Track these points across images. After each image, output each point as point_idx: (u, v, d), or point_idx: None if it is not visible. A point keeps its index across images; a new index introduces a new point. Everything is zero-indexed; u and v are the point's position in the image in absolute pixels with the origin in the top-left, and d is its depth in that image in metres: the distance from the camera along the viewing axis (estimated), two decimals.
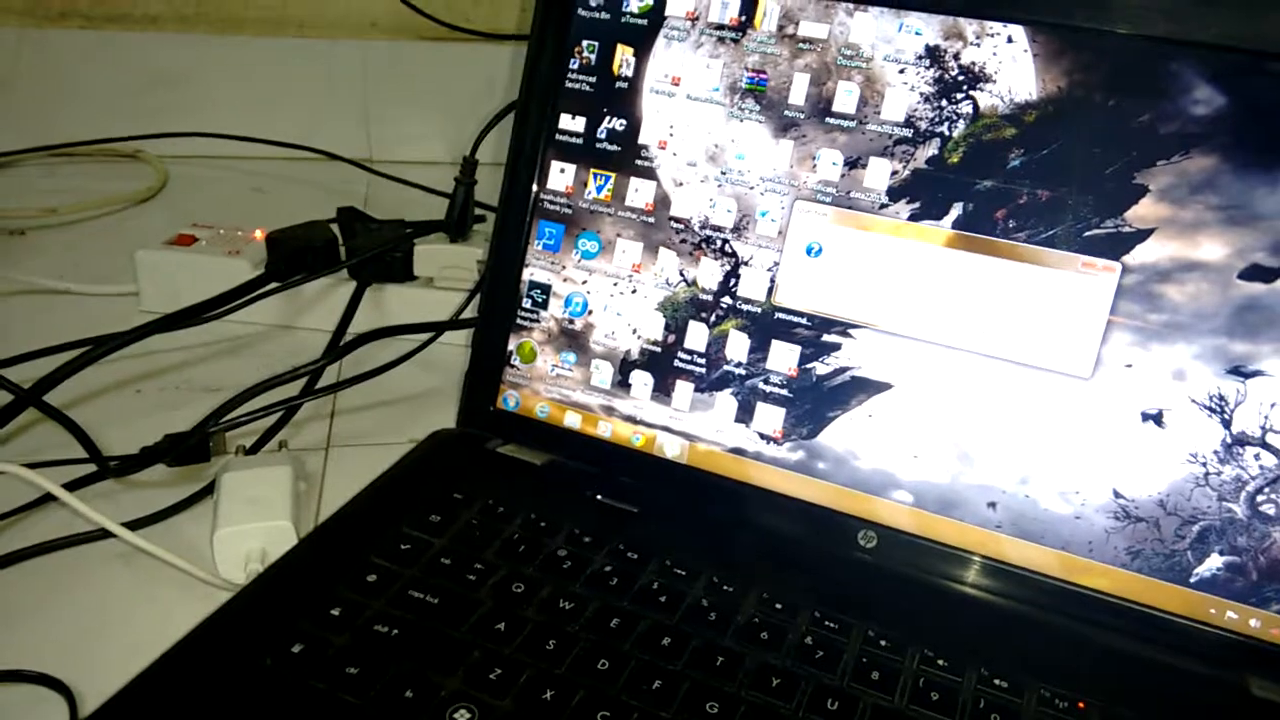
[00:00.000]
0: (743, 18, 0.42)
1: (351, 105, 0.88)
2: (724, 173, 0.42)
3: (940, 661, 0.34)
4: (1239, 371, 0.36)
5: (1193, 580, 0.36)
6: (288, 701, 0.31)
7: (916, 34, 0.39)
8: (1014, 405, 0.38)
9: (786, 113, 0.41)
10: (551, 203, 0.45)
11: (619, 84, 0.44)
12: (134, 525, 0.42)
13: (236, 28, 0.89)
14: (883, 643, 0.35)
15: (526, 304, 0.46)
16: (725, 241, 0.42)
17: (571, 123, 0.45)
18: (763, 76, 0.42)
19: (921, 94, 0.39)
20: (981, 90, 0.38)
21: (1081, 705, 0.33)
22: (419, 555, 0.37)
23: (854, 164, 0.40)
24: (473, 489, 0.42)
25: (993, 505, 0.39)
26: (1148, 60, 0.36)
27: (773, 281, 0.42)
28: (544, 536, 0.39)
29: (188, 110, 0.87)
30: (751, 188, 0.42)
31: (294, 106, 0.88)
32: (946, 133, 0.39)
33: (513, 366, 0.46)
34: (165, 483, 0.46)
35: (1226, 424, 0.36)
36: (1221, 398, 0.36)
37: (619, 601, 0.36)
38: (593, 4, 0.44)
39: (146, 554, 0.40)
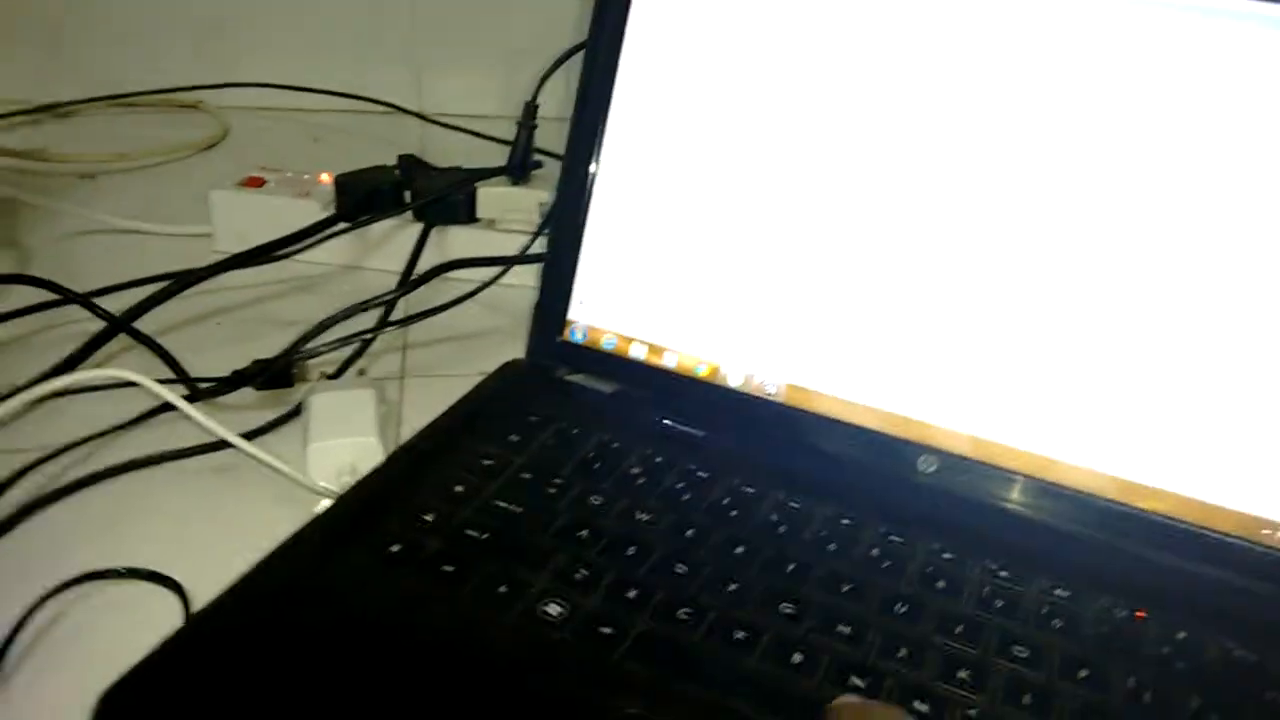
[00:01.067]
0: None
1: (403, 54, 0.90)
2: None
3: (1003, 573, 0.36)
4: None
5: (1248, 502, 0.38)
6: (388, 596, 0.33)
7: None
8: (1072, 330, 0.39)
9: None
10: None
11: None
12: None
13: None
14: (946, 555, 0.37)
15: None
16: None
17: None
18: None
19: None
20: None
21: (1140, 615, 0.35)
22: (501, 470, 0.39)
23: None
24: (547, 413, 0.43)
25: (1051, 429, 0.40)
26: None
27: None
28: (617, 456, 0.41)
29: (243, 59, 0.89)
30: None
31: (346, 56, 0.89)
32: None
33: (581, 301, 0.48)
34: (252, 406, 0.49)
35: None
36: None
37: (692, 514, 0.38)
38: None
39: (251, 464, 0.43)
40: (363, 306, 0.50)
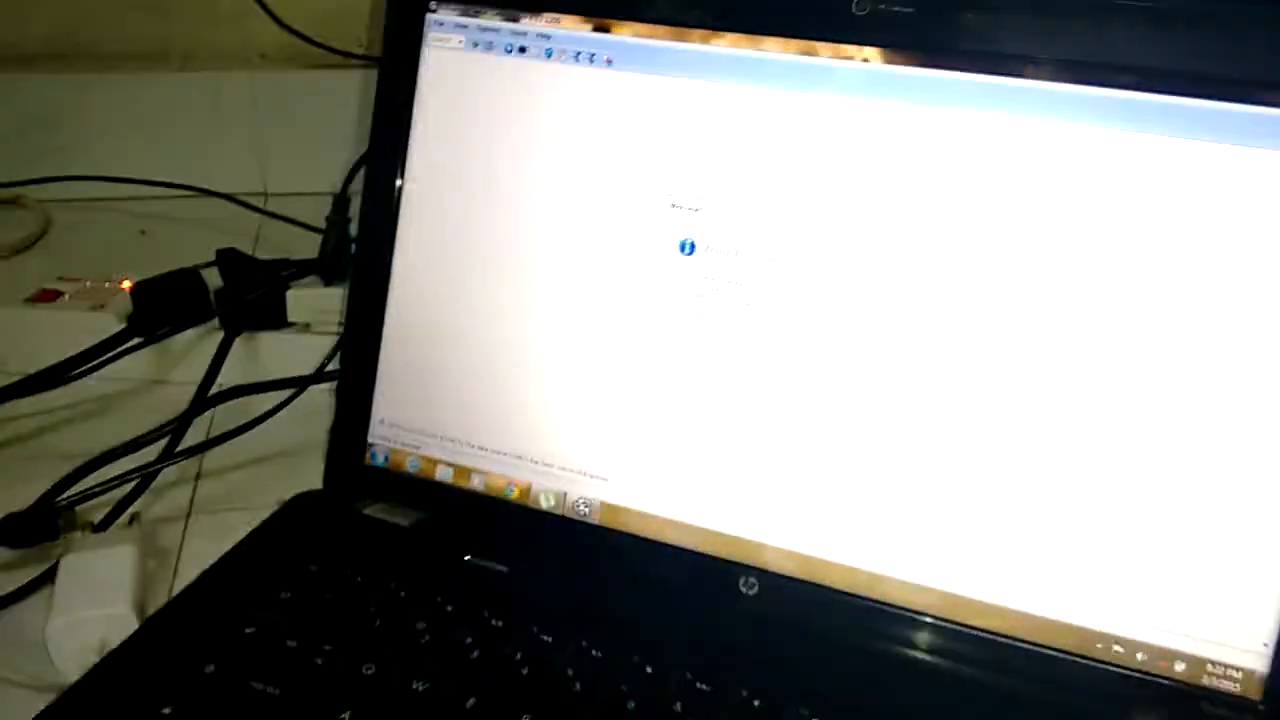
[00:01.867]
0: None
1: (243, 139, 0.85)
2: None
3: None
4: None
5: (1081, 615, 0.35)
6: None
7: None
8: (892, 441, 0.36)
9: None
10: None
11: None
12: None
13: (119, 64, 0.85)
14: (756, 703, 0.33)
15: None
16: None
17: None
18: None
19: None
20: None
21: None
22: (264, 640, 0.35)
23: None
24: (332, 559, 0.39)
25: (876, 543, 0.37)
26: None
27: None
28: (403, 610, 0.37)
29: (73, 152, 0.83)
30: None
31: (184, 143, 0.84)
32: None
33: (381, 421, 0.44)
34: (12, 565, 0.43)
35: None
36: None
37: (478, 679, 0.34)
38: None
39: None
40: (127, 448, 0.45)
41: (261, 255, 0.64)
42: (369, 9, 0.86)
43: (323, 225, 0.72)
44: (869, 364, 0.37)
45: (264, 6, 0.83)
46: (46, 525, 0.42)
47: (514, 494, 0.42)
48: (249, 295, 0.54)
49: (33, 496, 0.46)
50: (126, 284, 0.59)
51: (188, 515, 0.47)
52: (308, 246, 0.70)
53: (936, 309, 0.36)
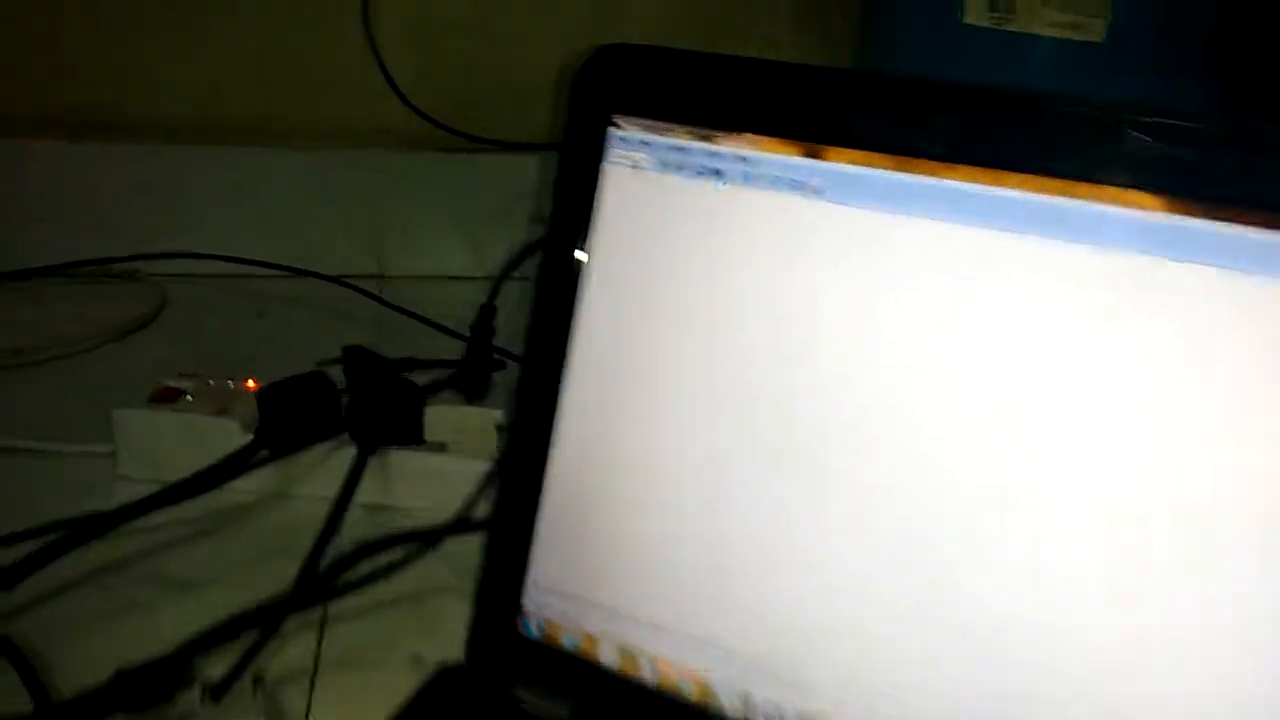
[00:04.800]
0: None
1: (362, 220, 0.82)
2: None
3: None
4: None
5: None
6: None
7: None
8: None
9: None
10: None
11: None
12: None
13: (235, 138, 0.83)
14: None
15: None
16: None
17: None
18: None
19: None
20: None
21: None
22: None
23: None
24: None
25: None
26: None
27: None
28: None
29: (188, 227, 0.81)
30: None
31: (300, 222, 0.82)
32: None
33: (536, 583, 0.38)
34: None
35: None
36: None
37: None
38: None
39: None
40: (254, 618, 0.40)
41: (381, 342, 0.60)
42: (498, 95, 0.83)
43: (443, 316, 0.69)
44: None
45: (394, 87, 0.81)
46: (163, 687, 0.38)
47: (691, 692, 0.36)
48: (387, 410, 0.50)
49: (144, 634, 0.42)
50: (251, 383, 0.55)
51: (313, 675, 0.42)
52: (430, 338, 0.67)
53: (1194, 477, 0.29)
